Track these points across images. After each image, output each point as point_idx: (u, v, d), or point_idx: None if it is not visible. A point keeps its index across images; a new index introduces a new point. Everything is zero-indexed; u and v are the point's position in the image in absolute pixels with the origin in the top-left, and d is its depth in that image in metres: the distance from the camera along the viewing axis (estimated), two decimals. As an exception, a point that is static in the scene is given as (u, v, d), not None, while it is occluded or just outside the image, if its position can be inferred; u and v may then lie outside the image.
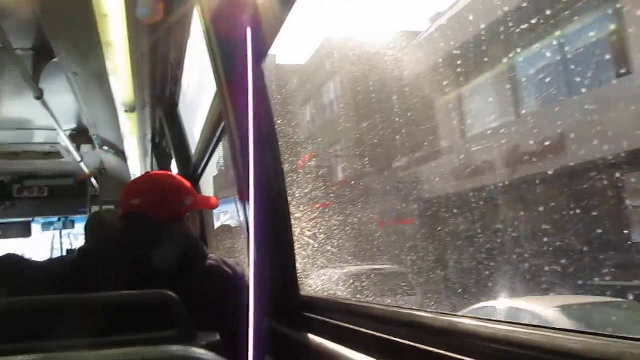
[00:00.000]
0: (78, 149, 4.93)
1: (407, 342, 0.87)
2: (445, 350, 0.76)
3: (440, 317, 0.81)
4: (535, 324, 0.66)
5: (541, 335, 0.63)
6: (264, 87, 1.56)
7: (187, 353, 0.46)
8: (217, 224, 4.36)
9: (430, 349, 0.79)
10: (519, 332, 0.65)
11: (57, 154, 5.38)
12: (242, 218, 1.74)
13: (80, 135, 4.78)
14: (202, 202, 1.91)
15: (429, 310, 0.91)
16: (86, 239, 2.96)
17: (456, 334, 0.76)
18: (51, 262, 1.85)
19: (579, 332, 0.61)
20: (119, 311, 1.39)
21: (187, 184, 1.83)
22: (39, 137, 4.82)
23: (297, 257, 1.61)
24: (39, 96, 3.32)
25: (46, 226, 7.61)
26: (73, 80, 3.29)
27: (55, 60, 3.09)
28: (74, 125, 4.68)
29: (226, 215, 4.83)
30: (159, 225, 1.64)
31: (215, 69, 1.72)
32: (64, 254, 7.21)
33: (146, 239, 1.60)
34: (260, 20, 1.48)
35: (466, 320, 0.76)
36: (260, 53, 1.52)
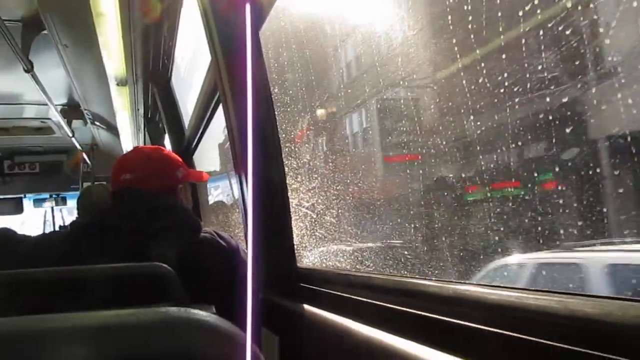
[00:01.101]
0: (69, 124, 4.87)
1: (405, 309, 0.86)
2: (450, 317, 0.74)
3: (443, 285, 0.79)
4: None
5: (553, 300, 0.61)
6: (261, 55, 1.52)
7: (187, 314, 0.43)
8: (212, 200, 4.34)
9: (433, 315, 0.78)
10: (528, 297, 0.64)
11: (48, 129, 5.32)
12: (238, 191, 1.72)
13: (71, 110, 4.71)
14: (193, 175, 1.90)
15: (430, 277, 0.89)
16: (79, 213, 2.93)
17: (460, 300, 0.74)
18: (44, 236, 1.83)
19: (594, 296, 0.59)
20: (113, 284, 1.38)
21: (176, 156, 1.83)
22: (30, 112, 4.76)
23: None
24: (29, 69, 3.26)
25: (38, 202, 7.56)
26: (63, 52, 3.23)
27: (45, 32, 3.02)
28: (65, 100, 4.61)
29: (219, 190, 4.80)
30: (151, 197, 1.63)
31: (210, 37, 1.68)
32: (57, 229, 7.18)
33: (139, 212, 1.58)
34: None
35: (471, 287, 0.75)
36: (258, 19, 1.49)
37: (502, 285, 0.72)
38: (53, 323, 0.43)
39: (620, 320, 0.52)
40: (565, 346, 0.57)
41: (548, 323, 0.59)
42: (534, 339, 0.60)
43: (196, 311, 0.45)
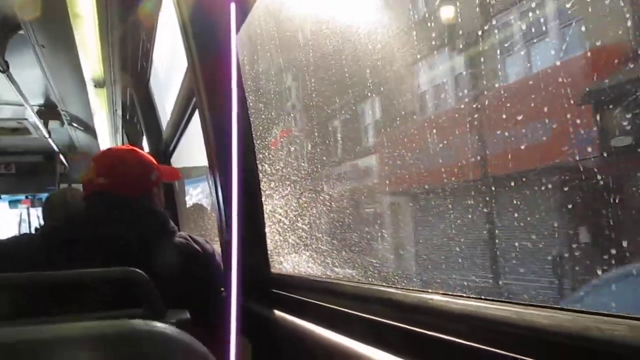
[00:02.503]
0: (46, 125, 4.81)
1: (373, 318, 0.88)
2: (413, 326, 0.76)
3: (409, 293, 0.81)
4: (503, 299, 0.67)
5: (510, 310, 0.63)
6: (236, 60, 1.53)
7: (148, 327, 0.44)
8: (191, 202, 4.32)
9: (397, 324, 0.79)
10: (487, 307, 0.66)
11: (24, 130, 5.25)
12: (213, 196, 1.72)
13: (48, 111, 4.66)
14: (166, 174, 1.87)
15: (396, 286, 0.91)
16: (44, 218, 2.84)
17: (423, 309, 0.76)
18: (16, 239, 1.79)
19: (548, 307, 0.61)
20: (86, 289, 1.37)
21: (150, 157, 1.79)
22: (6, 112, 4.69)
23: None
24: (4, 69, 3.22)
25: (13, 204, 7.45)
26: (40, 53, 3.20)
27: (21, 32, 2.99)
28: (41, 101, 4.56)
29: (198, 190, 4.78)
30: (127, 203, 1.61)
31: (187, 43, 1.68)
32: (32, 232, 7.09)
33: (115, 217, 1.57)
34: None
35: (435, 296, 0.76)
36: (235, 25, 1.49)
37: (464, 295, 0.74)
38: (10, 335, 0.44)
39: (570, 331, 0.54)
40: (520, 357, 0.59)
41: (505, 333, 0.61)
42: (491, 349, 0.62)
43: (157, 324, 0.46)
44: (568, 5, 1.28)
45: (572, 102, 1.34)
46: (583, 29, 1.45)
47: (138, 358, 0.43)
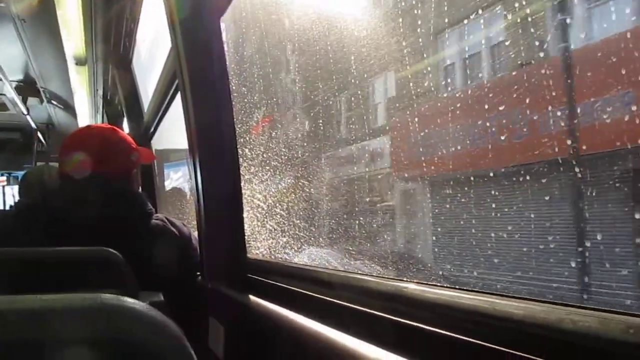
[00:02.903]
0: (25, 101, 4.72)
1: (348, 305, 0.88)
2: (387, 314, 0.76)
3: (383, 281, 0.82)
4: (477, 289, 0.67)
5: (485, 300, 0.63)
6: (221, 43, 1.52)
7: (118, 302, 0.44)
8: (171, 185, 4.29)
9: (371, 311, 0.80)
10: (461, 297, 0.66)
11: (2, 106, 5.14)
12: (192, 179, 1.71)
13: (27, 87, 4.57)
14: (144, 156, 1.84)
15: (371, 274, 0.91)
16: (20, 194, 2.80)
17: (398, 298, 0.76)
18: (-10, 215, 1.76)
19: (522, 298, 0.62)
20: (59, 268, 1.35)
21: (130, 138, 1.76)
22: (-18, 86, 4.60)
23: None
24: (-18, 42, 3.15)
25: (-12, 181, 7.32)
26: (20, 27, 3.14)
27: (1, 4, 2.92)
28: (20, 77, 4.46)
29: (179, 174, 4.75)
30: (103, 182, 1.58)
31: (171, 22, 1.66)
32: (7, 209, 6.98)
33: (92, 197, 1.54)
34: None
35: (409, 284, 0.77)
36: (220, 8, 1.48)
37: (439, 284, 0.74)
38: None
39: (543, 322, 0.55)
40: (494, 346, 0.59)
41: (479, 323, 0.62)
42: (465, 338, 0.63)
43: (128, 299, 0.45)
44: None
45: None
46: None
47: (106, 332, 0.43)
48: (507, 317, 0.59)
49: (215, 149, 1.54)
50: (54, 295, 0.45)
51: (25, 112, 4.99)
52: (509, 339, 0.58)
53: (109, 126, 1.81)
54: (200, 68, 1.55)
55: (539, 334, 0.56)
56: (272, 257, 1.85)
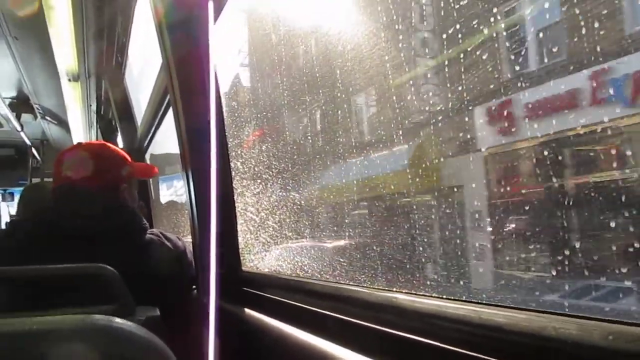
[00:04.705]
0: (18, 117, 4.72)
1: (342, 317, 0.89)
2: (377, 324, 0.77)
3: (373, 292, 0.83)
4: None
5: (470, 310, 0.64)
6: (209, 59, 1.53)
7: (106, 323, 0.45)
8: (166, 199, 4.29)
9: (363, 322, 0.81)
10: (447, 306, 0.67)
11: (-4, 123, 5.15)
12: (186, 193, 1.71)
13: (20, 104, 4.57)
14: (139, 171, 1.85)
15: (363, 285, 0.92)
16: (18, 212, 2.82)
17: (388, 308, 0.77)
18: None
19: (506, 306, 0.63)
20: (55, 285, 1.36)
21: (123, 153, 1.77)
22: (-23, 104, 4.60)
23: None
24: (-25, 61, 3.16)
25: (-16, 198, 7.30)
26: (13, 45, 3.14)
27: (-7, 23, 2.94)
28: (14, 93, 4.47)
29: (173, 189, 4.75)
30: (91, 197, 1.59)
31: (161, 37, 1.67)
32: (3, 227, 6.95)
33: (79, 211, 1.55)
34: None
35: (399, 295, 0.78)
36: (212, 20, 1.49)
37: (426, 294, 0.75)
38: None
39: (526, 330, 0.56)
40: (479, 355, 0.60)
41: (464, 332, 0.63)
42: (451, 347, 0.64)
43: (118, 320, 0.46)
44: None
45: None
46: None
47: (95, 352, 0.44)
48: (492, 326, 0.60)
49: (208, 163, 1.55)
50: (43, 318, 0.45)
51: (19, 129, 4.99)
52: (494, 347, 0.59)
53: (100, 142, 1.83)
54: (191, 82, 1.57)
55: (522, 342, 0.57)
56: (266, 269, 1.86)
